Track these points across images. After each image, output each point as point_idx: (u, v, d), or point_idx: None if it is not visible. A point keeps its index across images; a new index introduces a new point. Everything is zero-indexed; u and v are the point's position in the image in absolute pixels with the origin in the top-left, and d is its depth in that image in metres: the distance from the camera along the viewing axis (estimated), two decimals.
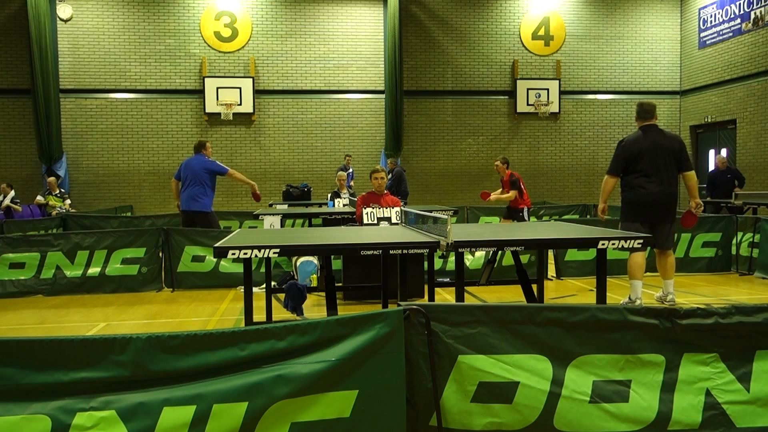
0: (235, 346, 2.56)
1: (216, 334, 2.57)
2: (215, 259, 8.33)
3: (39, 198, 14.30)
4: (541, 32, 18.04)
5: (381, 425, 2.70)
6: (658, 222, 6.48)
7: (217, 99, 16.69)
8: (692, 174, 6.60)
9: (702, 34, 17.60)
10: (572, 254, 8.74)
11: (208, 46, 16.88)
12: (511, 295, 7.16)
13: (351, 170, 15.57)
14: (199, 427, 2.50)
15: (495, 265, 6.33)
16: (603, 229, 5.30)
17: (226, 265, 8.44)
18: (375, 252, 4.42)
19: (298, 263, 7.44)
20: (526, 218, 11.05)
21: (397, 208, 7.08)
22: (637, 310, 2.92)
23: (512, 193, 10.86)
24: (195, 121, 16.97)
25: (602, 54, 18.33)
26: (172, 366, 2.52)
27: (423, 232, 4.95)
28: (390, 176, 14.19)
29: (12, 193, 14.32)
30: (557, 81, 18.00)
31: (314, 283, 7.14)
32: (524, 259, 7.55)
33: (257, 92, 17.01)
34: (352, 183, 15.29)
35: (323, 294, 6.33)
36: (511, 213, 11.05)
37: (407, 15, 17.42)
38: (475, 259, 8.29)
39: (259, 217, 9.13)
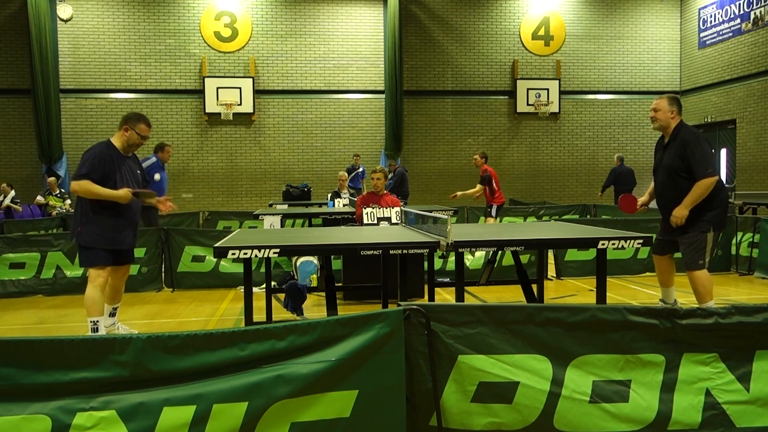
0: (235, 346, 2.56)
1: (216, 334, 2.56)
2: (215, 259, 8.32)
3: (39, 198, 14.30)
4: (541, 32, 18.04)
5: (381, 425, 2.70)
6: None
7: (217, 99, 16.69)
8: None
9: (702, 34, 17.60)
10: (572, 254, 8.74)
11: (208, 46, 16.88)
12: (511, 295, 7.17)
13: (362, 169, 15.53)
14: (199, 427, 2.50)
15: (495, 265, 6.33)
16: (603, 229, 5.30)
17: (226, 265, 8.44)
18: (375, 252, 4.43)
19: (298, 263, 7.44)
20: (494, 215, 11.27)
21: (397, 208, 7.08)
22: (637, 310, 2.92)
23: (478, 188, 11.07)
24: (195, 121, 16.97)
25: (602, 54, 18.33)
26: (172, 366, 2.52)
27: (423, 232, 4.95)
28: (392, 176, 14.21)
29: (12, 193, 14.32)
30: (557, 81, 18.01)
31: (314, 283, 7.15)
32: (524, 259, 7.55)
33: (257, 92, 17.01)
34: (363, 183, 15.26)
35: (323, 294, 6.33)
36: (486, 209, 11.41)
37: (407, 15, 17.42)
38: (475, 259, 8.28)
39: (259, 217, 9.13)
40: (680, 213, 5.35)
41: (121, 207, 5.38)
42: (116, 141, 5.48)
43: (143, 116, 5.63)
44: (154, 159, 9.48)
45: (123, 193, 5.29)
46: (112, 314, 5.77)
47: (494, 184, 11.17)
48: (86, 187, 5.25)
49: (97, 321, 5.36)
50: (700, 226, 5.39)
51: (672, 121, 5.45)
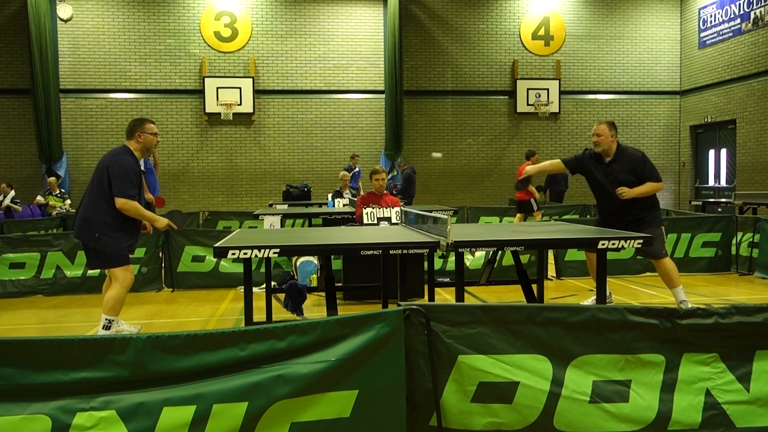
0: (235, 346, 2.56)
1: (216, 334, 2.57)
2: (215, 259, 8.32)
3: (39, 198, 14.30)
4: (541, 32, 18.03)
5: (381, 425, 2.70)
6: None
7: (217, 99, 16.68)
8: None
9: (702, 34, 17.60)
10: (572, 254, 8.74)
11: (208, 46, 16.88)
12: (511, 295, 7.16)
13: (358, 170, 15.57)
14: (199, 427, 2.50)
15: (495, 265, 6.33)
16: (603, 229, 5.30)
17: (226, 265, 8.44)
18: (375, 252, 4.43)
19: (298, 263, 7.44)
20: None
21: (397, 208, 7.08)
22: (637, 310, 2.93)
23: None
24: (195, 121, 16.96)
25: (602, 54, 18.32)
26: (172, 366, 2.52)
27: (423, 232, 4.95)
28: (393, 176, 14.28)
29: (12, 193, 14.32)
30: (557, 81, 18.00)
31: (314, 283, 7.15)
32: (524, 259, 7.55)
33: (257, 92, 17.00)
34: (359, 183, 15.28)
35: (323, 294, 6.33)
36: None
37: (407, 15, 17.42)
38: (475, 259, 8.28)
39: (259, 217, 9.13)
40: (630, 192, 6.06)
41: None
42: (133, 149, 5.56)
43: (144, 118, 5.75)
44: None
45: (162, 223, 5.58)
46: None
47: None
48: (136, 208, 5.40)
49: (113, 320, 5.41)
50: (656, 222, 6.20)
51: (612, 144, 6.18)
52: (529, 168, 6.54)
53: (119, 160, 5.41)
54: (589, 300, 6.70)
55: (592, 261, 6.43)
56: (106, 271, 5.76)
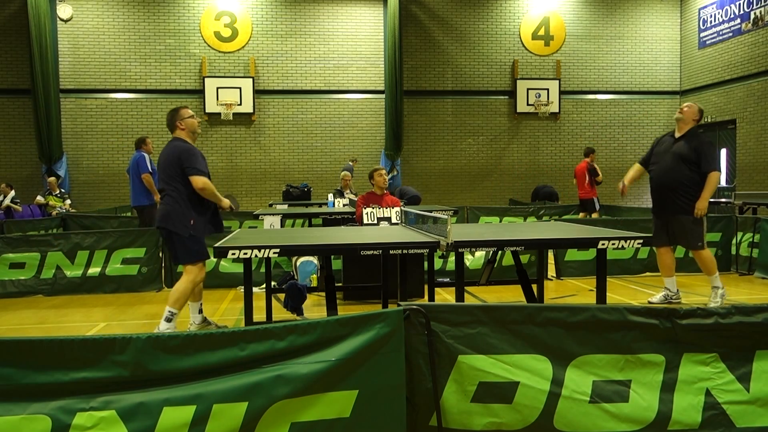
0: (235, 346, 2.56)
1: (216, 334, 2.57)
2: (215, 259, 8.32)
3: (39, 198, 14.30)
4: (541, 32, 18.04)
5: (381, 425, 2.70)
6: None
7: (217, 99, 16.68)
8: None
9: (702, 34, 17.60)
10: (572, 254, 8.73)
11: (208, 46, 16.88)
12: (511, 295, 7.16)
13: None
14: (199, 427, 2.50)
15: (495, 265, 6.33)
16: (603, 229, 5.30)
17: (226, 265, 8.43)
18: (375, 252, 4.42)
19: (298, 263, 7.44)
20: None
21: (397, 208, 7.09)
22: (637, 310, 2.93)
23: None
24: None
25: (602, 54, 18.32)
26: (172, 366, 2.52)
27: (423, 232, 4.95)
28: (394, 176, 14.38)
29: (12, 193, 14.32)
30: (557, 81, 18.00)
31: (314, 283, 7.15)
32: (524, 259, 7.54)
33: (257, 92, 17.01)
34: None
35: (323, 294, 6.33)
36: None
37: (407, 15, 17.42)
38: (475, 259, 8.28)
39: (259, 217, 9.12)
40: (703, 205, 6.51)
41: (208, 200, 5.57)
42: (186, 138, 5.61)
43: (176, 107, 5.76)
44: (142, 153, 9.75)
45: (227, 203, 5.62)
46: (201, 311, 5.96)
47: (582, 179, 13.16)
48: (211, 187, 5.55)
49: (176, 313, 5.38)
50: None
51: (692, 123, 6.74)
52: (627, 181, 6.95)
53: (189, 149, 5.52)
54: (657, 297, 7.03)
55: (664, 259, 6.82)
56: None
